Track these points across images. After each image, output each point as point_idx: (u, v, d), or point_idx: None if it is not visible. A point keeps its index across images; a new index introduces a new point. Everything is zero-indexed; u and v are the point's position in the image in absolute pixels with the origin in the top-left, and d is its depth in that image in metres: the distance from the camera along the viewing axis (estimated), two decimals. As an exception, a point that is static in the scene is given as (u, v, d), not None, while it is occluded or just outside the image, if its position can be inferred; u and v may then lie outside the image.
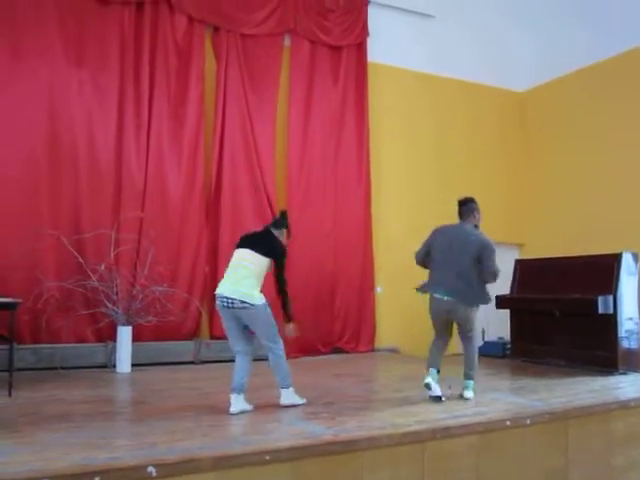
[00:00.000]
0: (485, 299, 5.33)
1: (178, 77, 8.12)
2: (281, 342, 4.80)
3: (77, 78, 7.52)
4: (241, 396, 4.62)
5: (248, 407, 4.63)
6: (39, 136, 7.27)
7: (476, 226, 5.67)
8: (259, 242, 4.79)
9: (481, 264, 5.30)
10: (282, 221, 5.02)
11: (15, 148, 7.14)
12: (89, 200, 7.50)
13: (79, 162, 7.47)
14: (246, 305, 4.55)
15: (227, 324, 4.72)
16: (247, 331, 4.75)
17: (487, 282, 5.36)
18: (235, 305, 4.56)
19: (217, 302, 4.68)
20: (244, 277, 4.64)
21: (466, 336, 5.36)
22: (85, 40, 7.60)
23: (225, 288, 4.64)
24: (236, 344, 4.75)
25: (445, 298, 5.19)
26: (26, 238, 6.98)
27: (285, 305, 4.83)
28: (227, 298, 4.58)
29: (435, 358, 5.32)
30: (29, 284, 6.91)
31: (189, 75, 8.16)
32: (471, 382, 5.29)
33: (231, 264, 4.80)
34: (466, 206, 5.66)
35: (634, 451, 5.04)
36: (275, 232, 4.94)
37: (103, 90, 7.67)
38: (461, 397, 5.19)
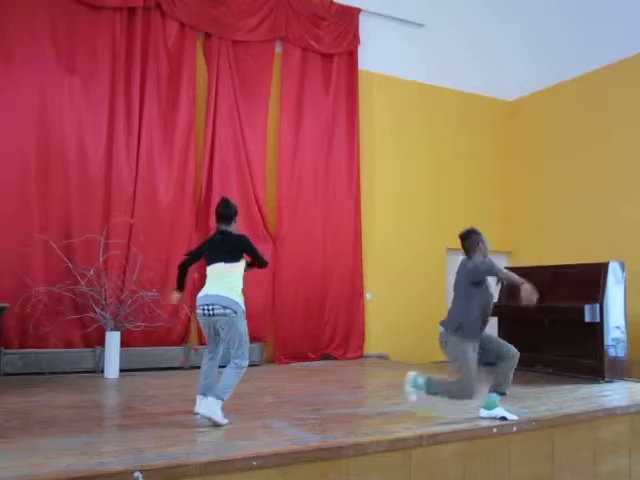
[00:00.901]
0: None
1: (169, 83, 8.14)
2: (247, 361, 4.57)
3: (68, 84, 7.53)
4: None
5: (223, 420, 4.34)
6: (29, 141, 7.27)
7: (484, 256, 4.99)
8: (225, 250, 4.66)
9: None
10: (229, 210, 4.83)
11: (5, 153, 7.14)
12: (79, 205, 7.49)
13: (69, 167, 7.47)
14: (224, 312, 4.47)
15: (207, 331, 4.68)
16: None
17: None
18: (215, 312, 4.47)
19: (198, 310, 4.58)
20: (223, 284, 4.56)
21: None
22: (76, 46, 7.61)
23: (205, 295, 4.57)
24: (210, 346, 4.74)
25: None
26: (15, 242, 6.98)
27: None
28: (207, 305, 4.50)
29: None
30: (17, 288, 6.90)
31: (180, 81, 8.18)
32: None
33: (210, 277, 4.68)
34: (469, 240, 5.02)
35: (620, 459, 5.07)
36: (229, 228, 4.81)
37: (94, 96, 7.68)
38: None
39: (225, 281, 4.58)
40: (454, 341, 4.80)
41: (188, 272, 5.02)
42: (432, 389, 4.89)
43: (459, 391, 4.79)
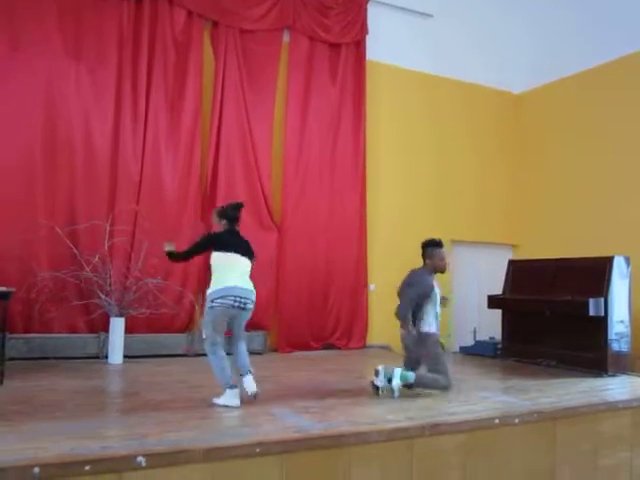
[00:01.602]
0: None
1: (176, 71, 8.12)
2: None
3: (75, 71, 7.53)
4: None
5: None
6: (36, 128, 7.28)
7: (429, 273, 5.49)
8: (250, 251, 5.02)
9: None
10: (240, 214, 5.17)
11: (12, 140, 7.14)
12: (84, 192, 7.51)
13: (75, 154, 7.48)
14: (252, 307, 4.87)
15: (225, 321, 4.80)
16: None
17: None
18: (247, 307, 4.78)
19: (227, 301, 4.66)
20: (249, 278, 4.90)
21: None
22: (83, 34, 7.59)
23: (241, 287, 4.76)
24: (221, 336, 4.82)
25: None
26: (21, 228, 7.02)
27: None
28: (243, 298, 4.74)
29: None
30: (23, 274, 6.93)
31: (187, 70, 8.16)
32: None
33: (231, 266, 4.82)
34: (423, 251, 5.61)
35: (621, 453, 5.08)
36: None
37: (101, 83, 7.67)
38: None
39: (248, 276, 4.91)
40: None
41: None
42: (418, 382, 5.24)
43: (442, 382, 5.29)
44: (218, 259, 4.82)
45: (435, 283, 5.48)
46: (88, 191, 7.52)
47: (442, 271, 5.55)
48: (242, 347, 4.93)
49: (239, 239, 5.02)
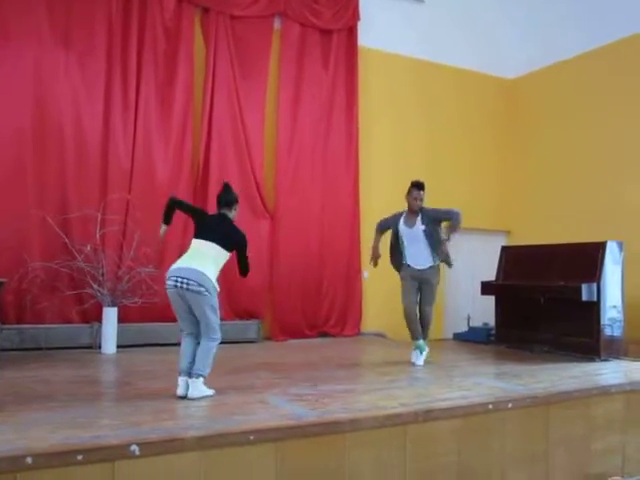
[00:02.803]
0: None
1: (166, 59, 8.04)
2: (220, 336, 4.59)
3: (64, 60, 7.43)
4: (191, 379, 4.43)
5: (209, 392, 4.48)
6: (25, 117, 7.20)
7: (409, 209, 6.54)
8: (220, 234, 4.65)
9: None
10: (230, 196, 4.86)
11: (0, 128, 7.06)
12: (75, 181, 7.45)
13: (65, 143, 7.41)
14: (202, 290, 4.41)
15: (176, 306, 4.54)
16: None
17: None
18: (190, 287, 4.38)
19: (169, 282, 4.47)
20: (204, 261, 4.51)
21: None
22: (72, 21, 7.49)
23: (181, 267, 4.48)
24: (187, 327, 4.59)
25: None
26: (11, 218, 6.96)
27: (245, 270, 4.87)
28: (183, 278, 4.40)
29: None
30: (14, 264, 6.88)
31: (177, 57, 8.08)
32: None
33: (189, 250, 4.65)
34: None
35: (613, 436, 5.11)
36: (230, 215, 4.82)
37: (90, 72, 7.58)
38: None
39: (206, 258, 4.54)
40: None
41: (174, 212, 5.02)
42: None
43: None
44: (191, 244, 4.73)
45: (419, 222, 6.31)
46: (79, 180, 7.46)
47: (411, 209, 6.42)
48: (201, 343, 4.52)
49: (213, 219, 4.81)
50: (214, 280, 4.51)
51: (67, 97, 7.43)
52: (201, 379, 4.43)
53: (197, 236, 4.70)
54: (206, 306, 4.44)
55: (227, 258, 4.69)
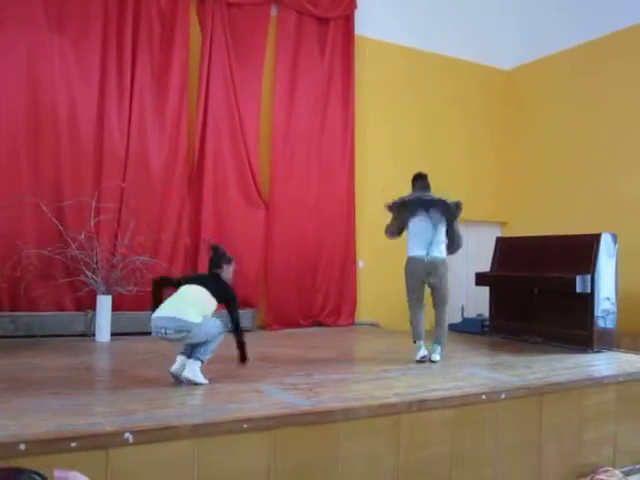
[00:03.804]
0: None
1: (162, 46, 7.99)
2: (222, 327, 4.58)
3: (58, 45, 7.37)
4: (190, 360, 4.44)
5: (203, 380, 4.45)
6: (19, 104, 7.15)
7: None
8: (209, 284, 4.61)
9: None
10: (217, 258, 4.82)
11: (-6, 115, 7.02)
12: (70, 168, 7.41)
13: (60, 130, 7.36)
14: (178, 336, 4.35)
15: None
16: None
17: None
18: (168, 336, 4.36)
19: (153, 333, 4.46)
20: (189, 304, 4.44)
21: None
22: (67, 7, 7.42)
23: (159, 317, 4.43)
24: None
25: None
26: (5, 205, 6.92)
27: (241, 344, 4.75)
28: (161, 327, 4.36)
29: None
30: (8, 251, 6.86)
31: (173, 44, 8.02)
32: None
33: (172, 296, 4.58)
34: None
35: (606, 427, 5.14)
36: (222, 274, 4.77)
37: (85, 58, 7.54)
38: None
39: (190, 299, 4.48)
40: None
41: (163, 292, 4.84)
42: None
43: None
44: None
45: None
46: (73, 167, 7.42)
47: None
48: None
49: (202, 275, 4.93)
50: (196, 319, 4.36)
51: (61, 84, 7.37)
52: (199, 362, 4.44)
53: (185, 283, 4.66)
54: (194, 338, 4.42)
55: (214, 308, 4.61)
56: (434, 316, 5.96)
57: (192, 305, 4.45)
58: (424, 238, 5.83)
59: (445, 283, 5.85)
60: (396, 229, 6.07)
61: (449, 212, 5.91)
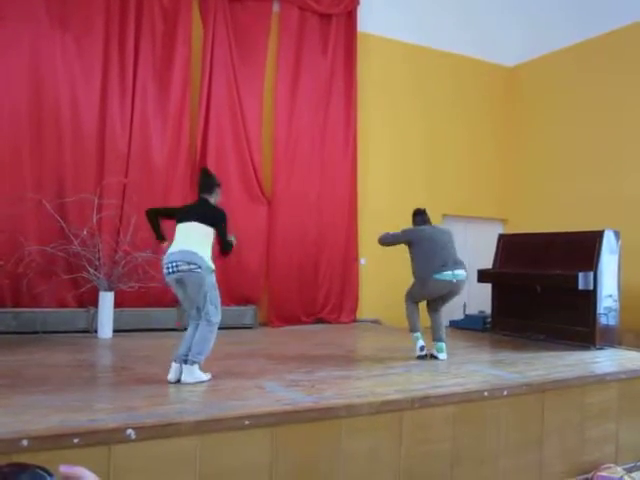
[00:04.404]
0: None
1: (164, 42, 7.98)
2: (219, 319, 4.59)
3: (61, 42, 7.37)
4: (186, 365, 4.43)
5: (204, 377, 4.48)
6: (22, 101, 7.16)
7: None
8: (198, 213, 4.64)
9: None
10: (210, 180, 4.86)
11: (-3, 111, 7.02)
12: (72, 165, 7.41)
13: (62, 126, 7.37)
14: (192, 267, 4.40)
15: (176, 293, 4.59)
16: None
17: None
18: (180, 268, 4.39)
19: (164, 271, 4.49)
20: (189, 240, 4.51)
21: None
22: (69, 3, 7.42)
23: (170, 253, 4.49)
24: (190, 310, 4.61)
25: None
26: (8, 201, 6.92)
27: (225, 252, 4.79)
28: (172, 262, 4.42)
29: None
30: (10, 247, 6.87)
31: (175, 40, 8.01)
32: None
33: (175, 235, 4.64)
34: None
35: (608, 424, 5.14)
36: (211, 199, 4.80)
37: (87, 54, 7.53)
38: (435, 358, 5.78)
39: (191, 237, 4.53)
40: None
41: (159, 221, 4.94)
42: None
43: None
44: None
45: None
46: (76, 164, 7.43)
47: None
48: (200, 328, 4.51)
49: (190, 205, 4.86)
50: (206, 258, 4.49)
51: (64, 80, 7.38)
52: (196, 365, 4.43)
53: (178, 221, 4.70)
54: (200, 284, 4.44)
55: (213, 235, 4.64)
56: (433, 317, 6.01)
57: (198, 242, 4.51)
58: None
59: None
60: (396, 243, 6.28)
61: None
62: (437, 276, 5.81)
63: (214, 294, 4.55)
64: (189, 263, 4.40)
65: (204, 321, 4.49)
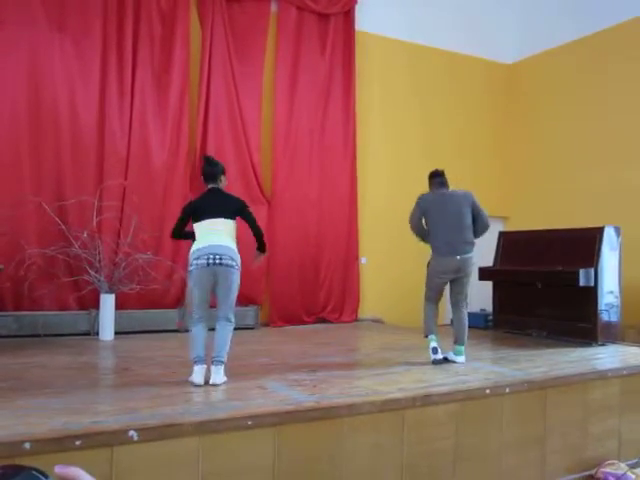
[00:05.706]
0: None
1: (162, 43, 7.97)
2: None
3: (59, 45, 7.36)
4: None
5: (225, 378, 4.47)
6: (20, 103, 7.15)
7: None
8: (219, 206, 4.60)
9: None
10: (216, 168, 4.78)
11: (-5, 114, 7.02)
12: (71, 167, 7.41)
13: (61, 129, 7.36)
14: (234, 264, 4.44)
15: (204, 285, 4.47)
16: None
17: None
18: (224, 261, 4.39)
19: (199, 261, 4.40)
20: (223, 237, 4.49)
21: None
22: (67, 6, 7.41)
23: (213, 245, 4.42)
24: (204, 310, 4.56)
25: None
26: (7, 204, 6.92)
27: (263, 244, 4.86)
28: (216, 254, 4.38)
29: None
30: (11, 250, 6.87)
31: (173, 41, 8.00)
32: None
33: (204, 231, 4.56)
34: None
35: (610, 420, 5.14)
36: (221, 185, 4.76)
37: (85, 57, 7.52)
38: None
39: (222, 233, 4.51)
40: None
41: (185, 232, 4.87)
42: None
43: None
44: (196, 229, 4.65)
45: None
46: (75, 166, 7.42)
47: None
48: (220, 327, 4.53)
49: (208, 198, 4.70)
50: (239, 257, 4.54)
51: (62, 82, 7.37)
52: (223, 365, 4.44)
53: (201, 218, 4.60)
54: (234, 282, 4.48)
55: (236, 227, 4.66)
56: (455, 316, 5.84)
57: (232, 239, 4.56)
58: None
59: None
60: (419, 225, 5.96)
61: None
62: (440, 256, 5.62)
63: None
64: (232, 259, 4.44)
65: (225, 320, 4.51)
